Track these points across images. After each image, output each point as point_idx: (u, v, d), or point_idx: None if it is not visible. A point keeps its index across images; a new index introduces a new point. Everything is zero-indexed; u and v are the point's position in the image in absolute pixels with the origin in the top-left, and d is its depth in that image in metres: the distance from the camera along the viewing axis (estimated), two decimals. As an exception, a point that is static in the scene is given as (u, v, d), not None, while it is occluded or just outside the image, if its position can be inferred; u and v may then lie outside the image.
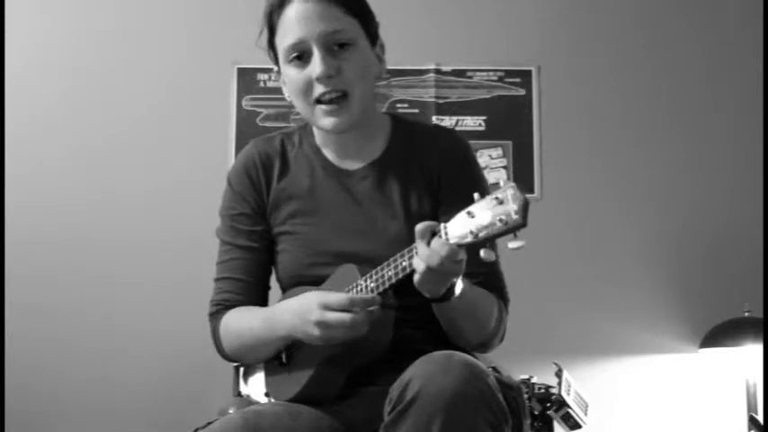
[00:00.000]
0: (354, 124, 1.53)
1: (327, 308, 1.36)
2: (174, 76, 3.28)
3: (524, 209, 1.17)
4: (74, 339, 3.09)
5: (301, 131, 1.65)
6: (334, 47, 1.49)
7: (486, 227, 1.20)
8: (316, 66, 1.48)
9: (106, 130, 3.24)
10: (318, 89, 1.49)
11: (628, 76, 3.33)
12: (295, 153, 1.62)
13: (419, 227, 1.30)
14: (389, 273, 1.36)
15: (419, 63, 3.29)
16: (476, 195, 1.23)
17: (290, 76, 1.52)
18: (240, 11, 3.21)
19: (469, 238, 1.22)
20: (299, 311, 1.41)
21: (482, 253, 1.23)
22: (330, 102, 1.49)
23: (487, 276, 1.53)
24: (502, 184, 1.21)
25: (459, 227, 1.24)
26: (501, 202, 1.19)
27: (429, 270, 1.28)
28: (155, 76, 3.28)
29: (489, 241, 1.22)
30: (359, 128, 1.55)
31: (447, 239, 1.25)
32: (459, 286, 1.37)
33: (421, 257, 1.28)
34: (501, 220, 1.18)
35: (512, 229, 1.18)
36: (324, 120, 1.51)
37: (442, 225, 1.27)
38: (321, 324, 1.36)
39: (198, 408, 2.52)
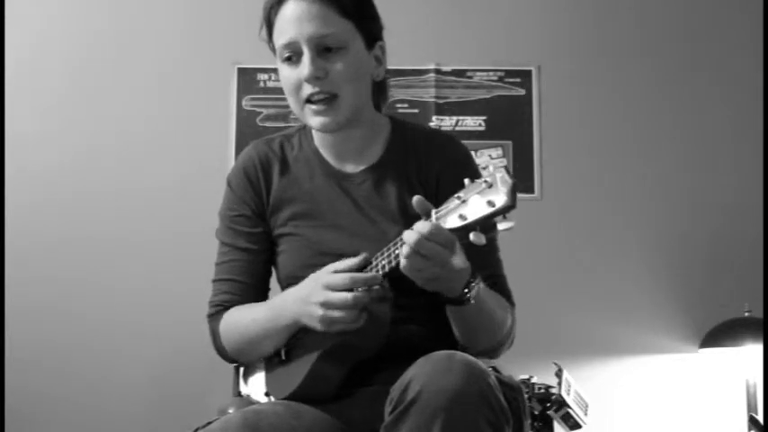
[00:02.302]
0: (343, 125, 1.53)
1: (330, 288, 1.38)
2: (174, 76, 3.28)
3: (513, 191, 1.19)
4: (73, 339, 3.09)
5: (301, 133, 1.65)
6: (325, 49, 1.50)
7: (475, 210, 1.21)
8: (304, 67, 1.49)
9: (106, 130, 3.24)
10: (307, 90, 1.50)
11: (628, 76, 3.33)
12: (295, 155, 1.63)
13: (415, 202, 1.31)
14: (383, 262, 1.38)
15: (419, 63, 3.29)
16: (466, 181, 1.24)
17: (283, 75, 1.54)
18: (240, 11, 3.21)
19: (459, 222, 1.23)
20: (302, 294, 1.43)
21: (472, 236, 1.23)
22: (319, 102, 1.50)
23: (493, 280, 1.54)
24: (491, 168, 1.21)
25: (449, 212, 1.25)
26: (490, 186, 1.20)
27: (412, 252, 1.28)
28: (155, 76, 3.28)
29: (479, 224, 1.22)
30: (352, 129, 1.56)
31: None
32: (475, 291, 1.38)
33: (404, 238, 1.30)
34: (490, 203, 1.20)
35: (501, 211, 1.20)
36: (312, 119, 1.53)
37: (433, 211, 1.29)
38: (325, 304, 1.38)
39: (198, 408, 2.52)
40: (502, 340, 1.52)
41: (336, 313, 1.37)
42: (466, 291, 1.38)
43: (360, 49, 1.53)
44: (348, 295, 1.36)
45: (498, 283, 1.56)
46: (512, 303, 1.58)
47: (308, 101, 1.51)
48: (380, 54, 1.59)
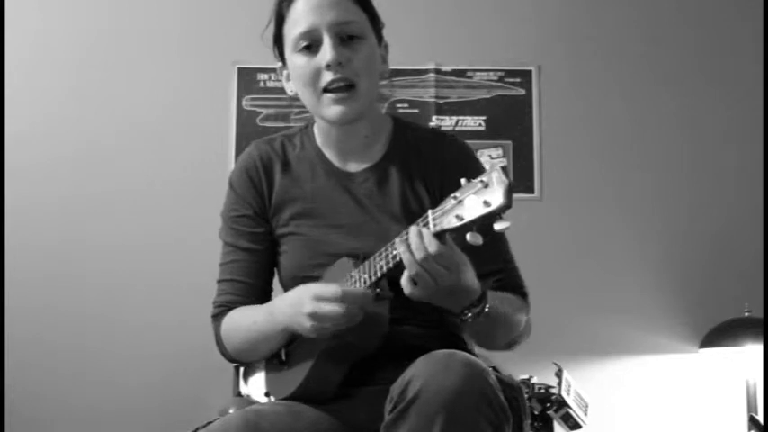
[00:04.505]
0: (359, 116, 1.53)
1: (320, 300, 1.36)
2: (174, 76, 3.28)
3: (509, 190, 1.18)
4: (74, 340, 3.09)
5: (302, 133, 1.65)
6: (345, 37, 1.50)
7: (472, 210, 1.21)
8: (326, 53, 1.48)
9: (106, 130, 3.24)
10: (327, 77, 1.49)
11: (627, 76, 3.33)
12: (296, 154, 1.63)
13: None
14: (381, 263, 1.37)
15: (419, 63, 3.29)
16: (462, 180, 1.24)
17: (298, 65, 1.52)
18: (240, 11, 3.22)
19: (456, 222, 1.24)
20: (293, 303, 1.42)
21: (468, 237, 1.23)
22: (337, 90, 1.50)
23: (506, 273, 1.54)
24: (488, 167, 1.21)
25: (446, 212, 1.25)
26: (486, 186, 1.20)
27: (414, 262, 1.28)
28: (155, 76, 3.28)
29: (476, 224, 1.22)
30: (359, 124, 1.56)
31: (434, 225, 1.27)
32: (488, 305, 1.38)
33: (407, 245, 1.29)
34: (486, 203, 1.20)
35: (497, 211, 1.19)
36: (330, 109, 1.51)
37: (429, 211, 1.29)
38: (314, 316, 1.37)
39: (198, 408, 2.52)
40: (517, 337, 1.53)
41: (325, 324, 1.37)
42: (467, 311, 1.38)
43: (374, 43, 1.55)
44: (338, 308, 1.35)
45: (510, 276, 1.56)
46: (524, 294, 1.57)
47: (326, 90, 1.50)
48: (385, 54, 1.60)
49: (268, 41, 1.60)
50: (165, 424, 2.95)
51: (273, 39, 1.58)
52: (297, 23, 1.51)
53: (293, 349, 1.52)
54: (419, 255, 1.28)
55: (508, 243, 1.59)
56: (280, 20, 1.54)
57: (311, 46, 1.50)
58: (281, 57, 1.59)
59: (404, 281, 1.32)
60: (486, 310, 1.38)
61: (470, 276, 1.35)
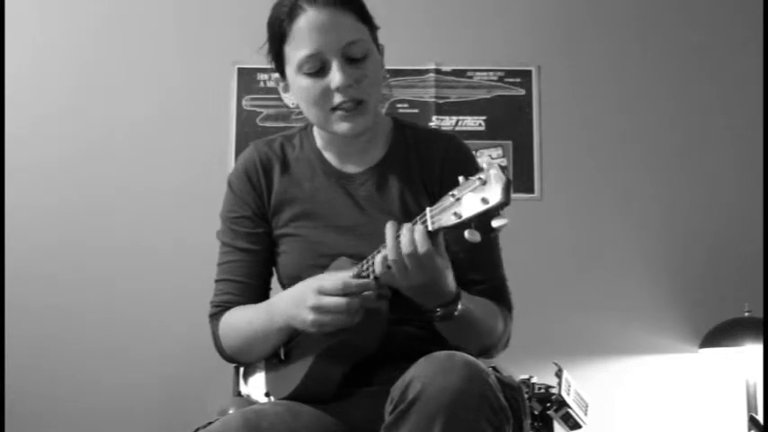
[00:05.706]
0: (367, 130, 1.53)
1: (323, 293, 1.37)
2: (174, 76, 3.28)
3: (507, 187, 1.19)
4: (74, 340, 3.09)
5: (302, 134, 1.65)
6: (352, 57, 1.48)
7: (469, 207, 1.21)
8: (335, 76, 1.46)
9: (106, 130, 3.24)
10: (337, 98, 1.48)
11: (627, 76, 3.33)
12: (296, 156, 1.62)
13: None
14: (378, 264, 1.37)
15: (419, 63, 3.29)
16: (460, 178, 1.24)
17: (304, 86, 1.50)
18: (240, 11, 3.22)
19: (453, 220, 1.24)
20: (294, 298, 1.43)
21: (466, 234, 1.23)
22: (347, 109, 1.49)
23: (492, 283, 1.54)
24: (485, 165, 1.21)
25: (444, 210, 1.26)
26: (484, 183, 1.20)
27: (394, 248, 1.30)
28: (155, 76, 3.28)
29: (474, 222, 1.22)
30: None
31: (432, 222, 1.27)
32: (459, 308, 1.38)
33: (396, 235, 1.31)
34: (484, 200, 1.20)
35: (495, 208, 1.19)
36: (340, 125, 1.50)
37: (428, 209, 1.29)
38: (316, 309, 1.37)
39: (198, 408, 2.53)
40: (490, 346, 1.52)
41: (328, 317, 1.37)
42: (437, 309, 1.38)
43: (376, 53, 1.54)
44: (340, 300, 1.35)
45: (497, 286, 1.56)
46: (508, 307, 1.57)
47: (334, 109, 1.49)
48: (382, 56, 1.59)
49: (267, 53, 1.57)
50: (165, 424, 2.95)
51: (273, 55, 1.54)
52: (301, 44, 1.47)
53: (293, 349, 1.53)
54: (406, 249, 1.29)
55: (500, 252, 1.59)
56: (280, 37, 1.51)
57: (319, 67, 1.47)
58: (279, 69, 1.56)
59: (377, 262, 1.34)
60: (456, 313, 1.39)
61: (448, 280, 1.36)
